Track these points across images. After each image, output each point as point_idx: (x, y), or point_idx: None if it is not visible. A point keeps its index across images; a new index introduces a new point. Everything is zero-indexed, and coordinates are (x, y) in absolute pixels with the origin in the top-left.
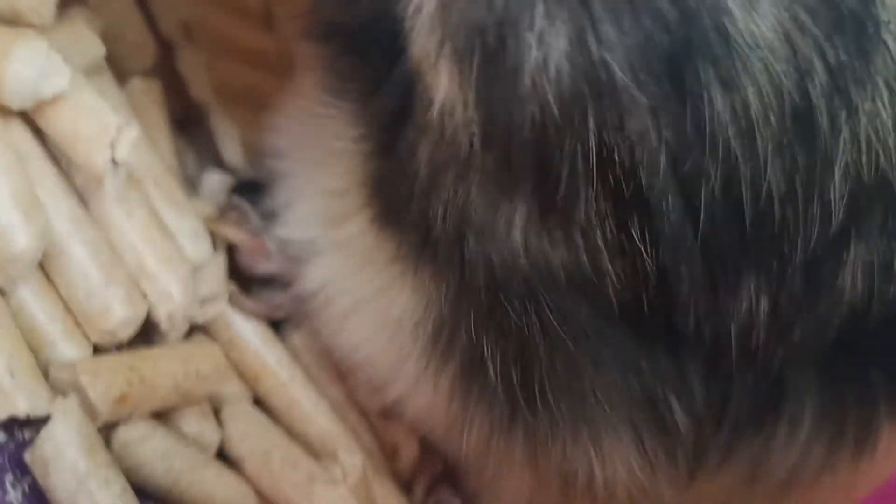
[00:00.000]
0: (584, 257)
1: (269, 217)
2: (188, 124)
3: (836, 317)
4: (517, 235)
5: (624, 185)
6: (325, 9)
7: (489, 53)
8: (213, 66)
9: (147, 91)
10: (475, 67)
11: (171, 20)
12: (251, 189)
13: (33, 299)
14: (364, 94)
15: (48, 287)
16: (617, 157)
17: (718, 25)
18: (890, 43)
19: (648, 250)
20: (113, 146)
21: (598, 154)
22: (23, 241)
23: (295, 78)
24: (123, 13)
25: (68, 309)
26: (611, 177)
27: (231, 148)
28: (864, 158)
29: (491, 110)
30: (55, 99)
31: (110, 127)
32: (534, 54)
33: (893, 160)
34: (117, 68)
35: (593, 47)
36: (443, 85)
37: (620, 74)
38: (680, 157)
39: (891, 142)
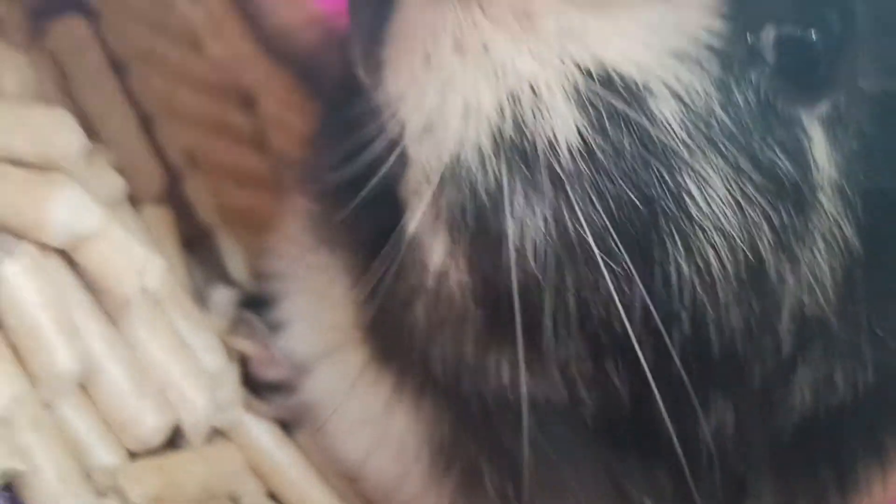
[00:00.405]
0: (564, 391)
1: (275, 328)
2: (196, 244)
3: (789, 426)
4: (506, 376)
5: (601, 334)
6: (321, 171)
7: (477, 230)
8: (216, 191)
9: (158, 217)
10: (465, 240)
11: (177, 150)
12: (256, 303)
13: (74, 412)
14: (356, 249)
15: (86, 401)
16: (594, 312)
17: (678, 203)
18: (824, 202)
19: (623, 383)
20: (141, 276)
21: (577, 309)
22: (65, 361)
23: (288, 197)
24: (134, 146)
25: (105, 420)
26: (588, 327)
27: (236, 265)
28: (806, 299)
29: (480, 275)
30: (89, 236)
31: (138, 259)
32: (515, 232)
33: (830, 297)
34: (130, 196)
35: (568, 227)
36: (437, 253)
37: (594, 248)
38: (652, 310)
39: (827, 283)
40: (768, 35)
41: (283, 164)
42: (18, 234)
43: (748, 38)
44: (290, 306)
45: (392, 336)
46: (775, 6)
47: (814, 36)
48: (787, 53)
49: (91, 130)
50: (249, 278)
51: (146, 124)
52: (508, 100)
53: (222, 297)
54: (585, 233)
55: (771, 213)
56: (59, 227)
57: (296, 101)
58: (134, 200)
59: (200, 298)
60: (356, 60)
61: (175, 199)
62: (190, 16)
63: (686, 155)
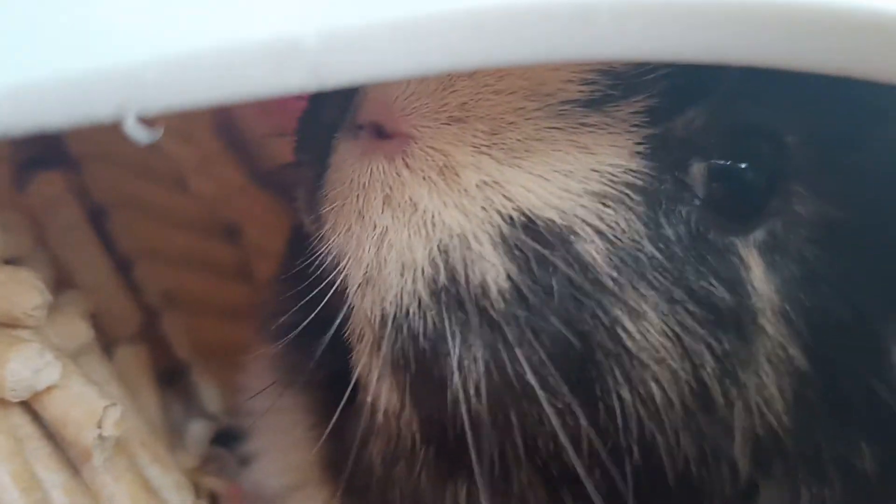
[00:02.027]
0: None
1: (245, 462)
2: (174, 378)
3: None
4: None
5: (551, 465)
6: (279, 310)
7: (420, 373)
8: (194, 326)
9: (133, 356)
10: (409, 383)
11: (155, 290)
12: (229, 436)
13: None
14: (314, 391)
15: None
16: (541, 445)
17: (613, 338)
18: (767, 327)
19: None
20: (100, 426)
21: (524, 443)
22: None
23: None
24: (110, 289)
25: None
26: (538, 459)
27: (211, 400)
28: (757, 422)
29: (426, 413)
30: (48, 388)
31: (97, 409)
32: (456, 375)
33: (782, 419)
34: (106, 337)
35: (507, 367)
36: (384, 394)
37: (535, 385)
38: (600, 442)
39: (777, 405)
40: (696, 170)
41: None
42: None
43: (675, 175)
44: (259, 442)
45: (351, 475)
46: (701, 142)
47: (744, 168)
48: (716, 186)
49: (66, 278)
50: (225, 413)
51: (124, 266)
52: (440, 251)
53: (197, 430)
54: (525, 371)
55: (711, 341)
56: (17, 385)
57: (282, 227)
58: (109, 341)
59: (177, 430)
60: (301, 210)
61: (152, 336)
62: (177, 156)
63: (616, 290)
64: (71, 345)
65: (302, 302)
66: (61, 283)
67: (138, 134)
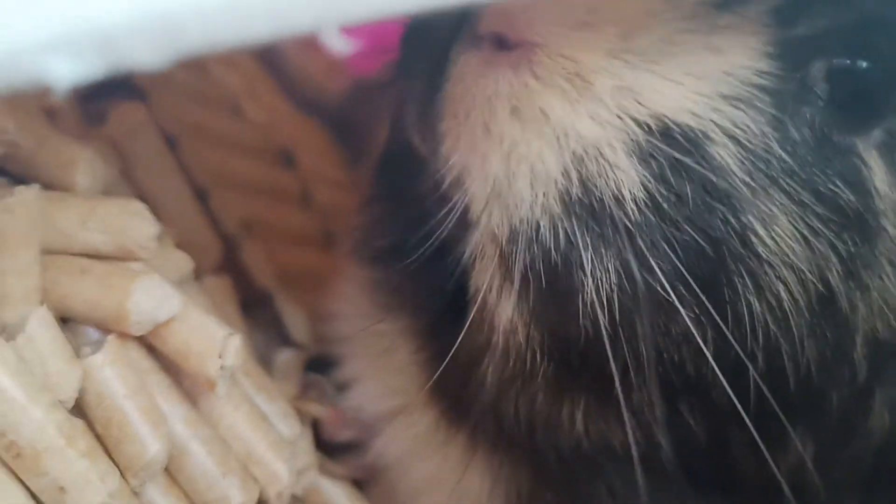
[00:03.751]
0: (639, 435)
1: (341, 388)
2: (254, 308)
3: (870, 449)
4: (580, 425)
5: (673, 377)
6: (377, 231)
7: (548, 288)
8: (271, 254)
9: (219, 287)
10: (535, 298)
11: (232, 219)
12: (320, 364)
13: (161, 497)
14: (415, 313)
15: (172, 483)
16: (665, 356)
17: (745, 243)
18: (889, 228)
19: (699, 423)
20: (221, 356)
21: (648, 356)
22: (153, 448)
23: (342, 261)
24: (192, 221)
25: (192, 500)
26: (661, 371)
27: (297, 327)
28: (879, 325)
29: (550, 329)
30: (168, 321)
31: (217, 339)
32: (586, 286)
33: None
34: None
35: (638, 276)
36: (505, 312)
37: (664, 294)
38: (725, 350)
39: None
40: (818, 69)
41: (329, 219)
42: (101, 326)
43: (798, 75)
44: (354, 368)
45: (460, 396)
46: (823, 41)
47: (864, 65)
48: (838, 85)
49: (151, 209)
50: (311, 340)
51: (201, 196)
52: (573, 162)
53: (287, 359)
54: (656, 280)
55: (837, 243)
56: (141, 317)
57: (332, 152)
58: (195, 273)
59: (265, 363)
60: (410, 128)
61: (232, 266)
62: (226, 81)
63: (748, 195)
64: (174, 276)
65: (403, 221)
66: None
67: (337, 42)
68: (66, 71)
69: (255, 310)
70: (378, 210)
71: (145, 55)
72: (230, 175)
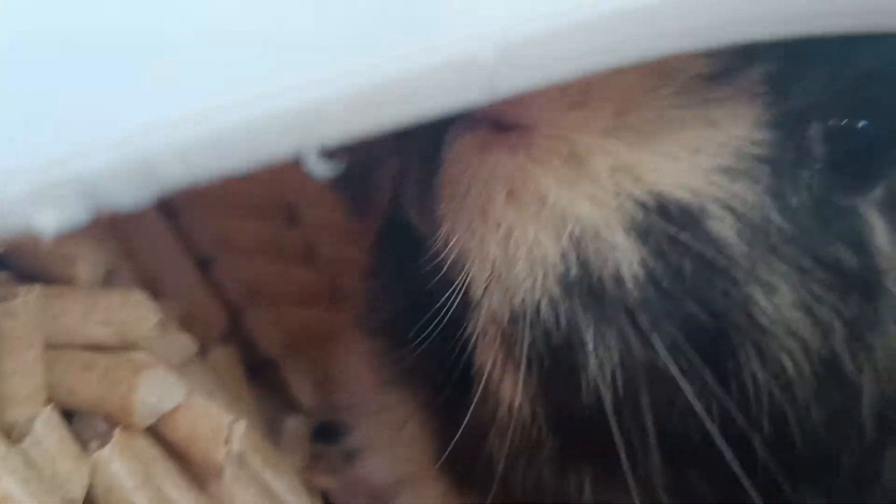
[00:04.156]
0: (647, 502)
1: (349, 456)
2: (260, 374)
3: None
4: (587, 496)
5: (680, 447)
6: (380, 306)
7: (550, 366)
8: (277, 319)
9: (224, 358)
10: (538, 375)
11: (237, 287)
12: (328, 430)
13: None
14: (422, 387)
15: None
16: (671, 428)
17: (747, 315)
18: (892, 287)
19: (708, 490)
20: (227, 441)
21: (654, 426)
22: None
23: (346, 312)
24: (196, 294)
25: None
26: (668, 442)
27: (305, 393)
28: (885, 384)
29: (554, 405)
30: (173, 410)
31: (223, 425)
32: (589, 364)
33: None
34: (197, 340)
35: (641, 354)
36: (509, 388)
37: (668, 369)
38: (731, 420)
39: None
40: (816, 132)
41: (335, 273)
42: (107, 419)
43: (796, 140)
44: (362, 436)
45: (469, 468)
46: (820, 102)
47: (862, 124)
48: (837, 146)
49: (153, 285)
50: (319, 406)
51: (204, 264)
52: (571, 244)
53: (294, 427)
54: (658, 356)
55: (840, 307)
56: (146, 410)
57: (336, 201)
58: (201, 345)
59: (272, 429)
60: (408, 207)
61: (237, 333)
62: None
63: (748, 266)
64: (178, 359)
65: (404, 294)
66: (148, 292)
67: (320, 168)
68: (52, 220)
69: (262, 376)
70: (380, 283)
71: (127, 197)
72: (234, 239)
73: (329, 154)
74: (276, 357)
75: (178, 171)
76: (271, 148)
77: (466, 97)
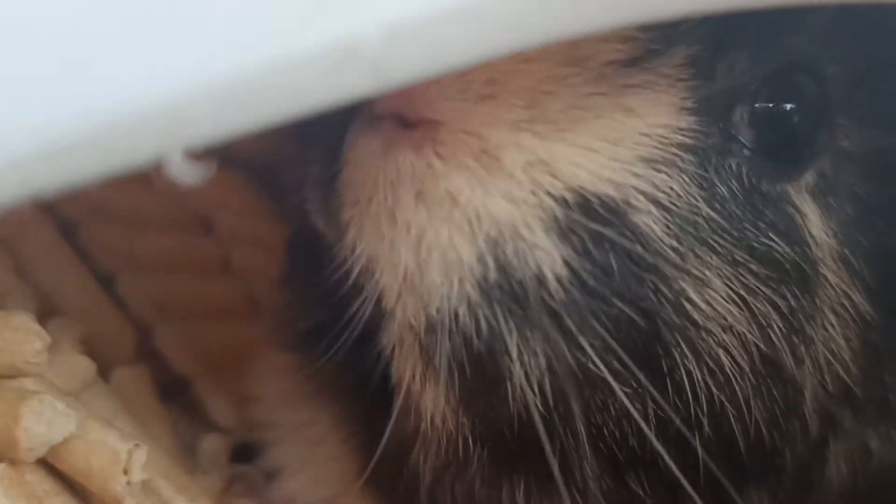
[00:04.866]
0: None
1: (271, 476)
2: (175, 393)
3: (829, 501)
4: None
5: (617, 450)
6: (293, 317)
7: (472, 375)
8: (190, 336)
9: (134, 379)
10: (461, 386)
11: (144, 304)
12: (247, 450)
13: None
14: (341, 401)
15: None
16: (606, 431)
17: (679, 311)
18: (829, 276)
19: (649, 494)
20: (126, 471)
21: (588, 433)
22: None
23: (263, 325)
24: (99, 310)
25: None
26: (603, 446)
27: (221, 412)
28: (827, 376)
29: (480, 416)
30: (65, 440)
31: (121, 454)
32: (514, 371)
33: (850, 369)
34: (101, 361)
35: (569, 356)
36: (431, 401)
37: (599, 373)
38: (669, 421)
39: (845, 356)
40: (741, 116)
41: (252, 284)
42: None
43: (721, 126)
44: (282, 456)
45: (395, 485)
46: (744, 87)
47: (789, 107)
48: (764, 131)
49: (51, 306)
50: (236, 424)
51: (105, 282)
52: (487, 246)
53: (211, 447)
54: (588, 359)
55: (777, 300)
56: (33, 442)
57: (255, 208)
58: (104, 366)
59: (189, 450)
60: (313, 214)
61: (147, 352)
62: None
63: (678, 261)
64: (74, 384)
65: (317, 305)
66: (45, 311)
67: (186, 174)
68: None
69: (176, 396)
70: (293, 294)
71: None
72: (139, 255)
73: (197, 157)
74: (190, 375)
75: (13, 189)
76: (125, 155)
77: (349, 88)
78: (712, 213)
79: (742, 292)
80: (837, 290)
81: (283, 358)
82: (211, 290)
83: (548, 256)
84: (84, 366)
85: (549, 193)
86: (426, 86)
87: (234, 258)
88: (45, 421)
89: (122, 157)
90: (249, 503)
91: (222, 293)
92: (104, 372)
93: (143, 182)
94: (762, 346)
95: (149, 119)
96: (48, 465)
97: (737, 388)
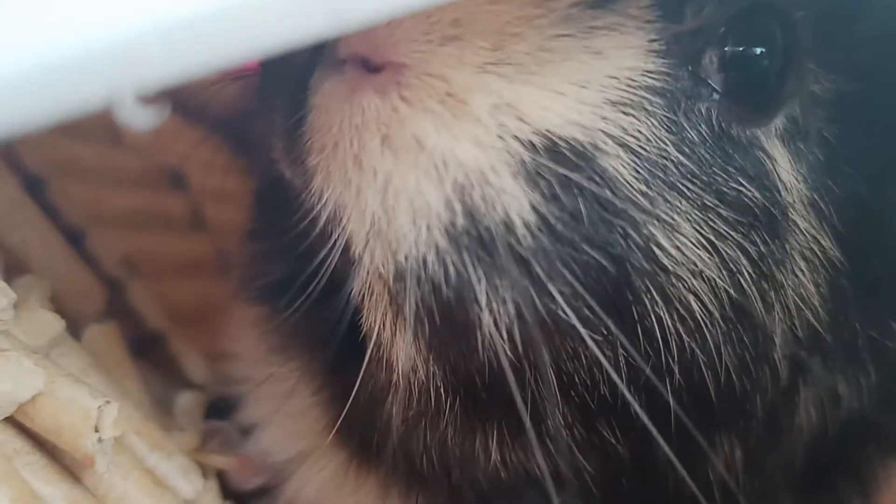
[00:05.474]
0: (560, 459)
1: (246, 432)
2: (149, 350)
3: (799, 447)
4: (495, 455)
5: (588, 398)
6: (261, 269)
7: (442, 324)
8: (162, 291)
9: (104, 335)
10: (431, 334)
11: (113, 259)
12: (222, 406)
13: None
14: (311, 353)
15: None
16: (577, 380)
17: (648, 256)
18: (799, 221)
19: (620, 442)
20: (97, 428)
21: (559, 380)
22: None
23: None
24: (67, 266)
25: None
26: (574, 394)
27: (195, 368)
28: (797, 322)
29: (450, 365)
30: (33, 398)
31: (91, 412)
32: (483, 319)
33: (820, 315)
34: (72, 318)
35: (538, 303)
36: (401, 350)
37: (568, 319)
38: (638, 368)
39: (815, 301)
40: (711, 60)
41: (224, 238)
42: None
43: (690, 69)
44: (256, 411)
45: (368, 437)
46: (712, 30)
47: (757, 51)
48: (733, 74)
49: (18, 263)
50: (211, 380)
51: (75, 239)
52: (455, 191)
53: (187, 403)
54: (557, 306)
55: (746, 245)
56: (0, 400)
57: (225, 163)
58: (75, 323)
59: (164, 407)
60: (279, 162)
61: (117, 309)
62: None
63: (647, 205)
64: (42, 340)
65: (284, 255)
66: (12, 268)
67: (139, 118)
68: None
69: (150, 352)
70: (260, 245)
71: None
72: (108, 210)
73: (149, 101)
74: (164, 331)
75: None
76: (75, 98)
77: (311, 29)
78: (681, 158)
79: (712, 237)
80: (807, 235)
81: (252, 312)
82: (182, 245)
83: (515, 202)
84: (52, 323)
85: (516, 137)
86: (390, 28)
87: (205, 213)
88: (12, 377)
89: (73, 100)
90: (225, 460)
91: (194, 249)
92: (75, 329)
93: (112, 137)
94: (732, 291)
95: (100, 60)
96: (18, 424)
97: (707, 335)
